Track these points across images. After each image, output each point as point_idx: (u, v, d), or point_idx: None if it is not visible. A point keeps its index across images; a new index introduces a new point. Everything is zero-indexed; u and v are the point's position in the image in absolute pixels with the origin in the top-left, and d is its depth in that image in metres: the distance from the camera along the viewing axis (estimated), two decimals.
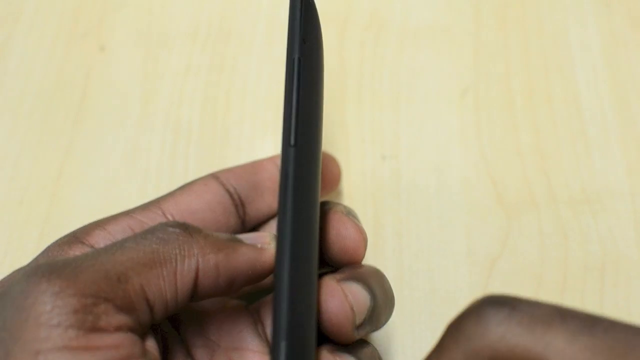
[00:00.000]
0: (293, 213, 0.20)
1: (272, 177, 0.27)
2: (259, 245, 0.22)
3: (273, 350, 0.19)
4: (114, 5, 0.39)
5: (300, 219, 0.20)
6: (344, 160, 0.34)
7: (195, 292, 0.21)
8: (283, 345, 0.19)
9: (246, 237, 0.23)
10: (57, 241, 0.23)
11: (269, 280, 0.24)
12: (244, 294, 0.27)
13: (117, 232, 0.23)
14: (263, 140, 0.35)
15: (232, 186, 0.26)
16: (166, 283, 0.20)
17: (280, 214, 0.20)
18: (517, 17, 0.38)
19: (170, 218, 0.24)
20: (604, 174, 0.33)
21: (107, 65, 0.37)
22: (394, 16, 0.38)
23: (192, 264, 0.21)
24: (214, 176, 0.26)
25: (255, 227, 0.27)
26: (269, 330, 0.25)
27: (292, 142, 0.21)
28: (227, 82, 0.37)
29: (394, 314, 0.25)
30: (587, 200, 0.33)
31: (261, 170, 0.27)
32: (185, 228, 0.21)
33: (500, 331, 0.16)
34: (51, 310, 0.18)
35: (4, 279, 0.22)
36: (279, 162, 0.26)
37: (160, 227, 0.21)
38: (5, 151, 0.35)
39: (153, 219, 0.24)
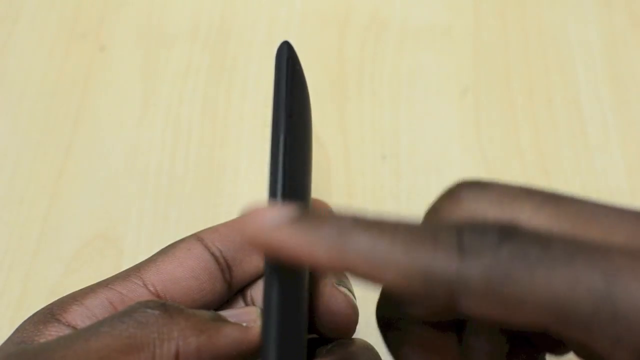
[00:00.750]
0: (279, 311, 0.19)
1: None
2: (245, 324, 0.21)
3: None
4: (114, 5, 0.39)
5: (288, 310, 0.19)
6: (344, 160, 0.34)
7: None
8: None
9: (231, 314, 0.22)
10: (32, 317, 0.22)
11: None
12: None
13: (96, 307, 0.22)
14: (263, 140, 0.35)
15: (217, 249, 0.24)
16: None
17: (265, 308, 0.19)
18: (517, 17, 0.38)
19: (152, 289, 0.23)
20: (604, 174, 0.33)
21: (107, 65, 0.37)
22: (394, 16, 0.38)
23: (172, 347, 0.20)
24: (198, 238, 0.25)
25: (243, 288, 0.26)
26: None
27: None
28: (227, 82, 0.37)
29: None
30: None
31: None
32: (165, 309, 0.20)
33: (472, 207, 0.17)
34: None
35: None
36: None
37: (139, 308, 0.20)
38: (5, 151, 0.35)
39: (133, 290, 0.23)
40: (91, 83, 0.37)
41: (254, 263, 0.25)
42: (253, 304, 0.25)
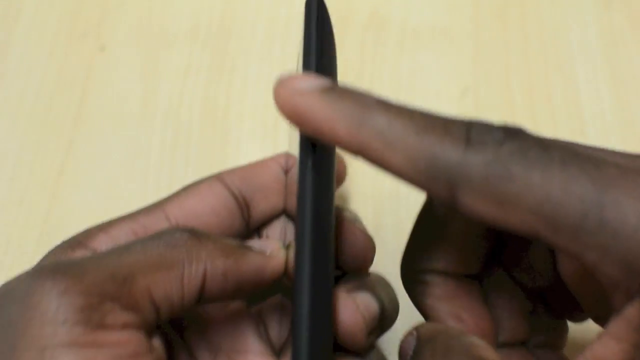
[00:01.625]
0: (312, 239, 0.20)
1: (276, 178, 0.27)
2: (268, 252, 0.23)
3: None
4: (113, 5, 0.39)
5: (318, 239, 0.20)
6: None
7: (202, 296, 0.21)
8: None
9: (255, 244, 0.23)
10: (59, 245, 0.23)
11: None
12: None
13: (121, 237, 0.23)
14: (263, 140, 0.35)
15: (237, 189, 0.26)
16: (173, 286, 0.20)
17: (298, 238, 0.20)
18: (517, 17, 0.38)
19: (174, 222, 0.24)
20: None
21: (107, 65, 0.37)
22: (394, 16, 0.38)
23: (200, 268, 0.21)
24: (219, 178, 0.26)
25: (259, 228, 0.27)
26: (271, 332, 0.25)
27: (310, 163, 0.20)
28: (227, 82, 0.37)
29: None
30: None
31: (265, 171, 0.27)
32: (193, 233, 0.21)
33: None
34: (57, 308, 0.18)
35: (7, 282, 0.22)
36: (282, 161, 0.27)
37: (168, 231, 0.21)
38: (5, 151, 0.35)
39: (156, 223, 0.24)
40: (91, 83, 0.37)
41: (271, 204, 0.26)
42: None
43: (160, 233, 0.21)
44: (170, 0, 0.40)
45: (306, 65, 0.21)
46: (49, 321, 0.18)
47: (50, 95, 0.36)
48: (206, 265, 0.21)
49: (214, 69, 0.37)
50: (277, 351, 0.25)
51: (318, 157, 0.20)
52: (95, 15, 0.39)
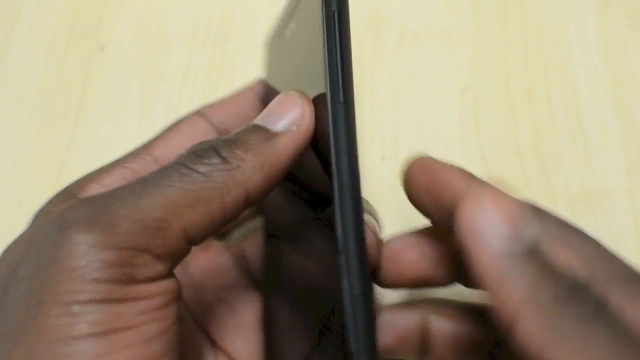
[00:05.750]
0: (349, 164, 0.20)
1: (254, 107, 0.27)
2: (294, 128, 0.21)
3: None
4: (113, 5, 0.39)
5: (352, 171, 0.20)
6: None
7: (246, 206, 0.21)
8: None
9: (272, 115, 0.21)
10: (52, 199, 0.22)
11: (247, 215, 0.25)
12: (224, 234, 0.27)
13: (112, 185, 0.22)
14: None
15: (218, 121, 0.26)
16: (212, 217, 0.20)
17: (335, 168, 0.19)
18: (516, 17, 0.38)
19: (162, 163, 0.23)
20: (603, 174, 0.33)
21: (107, 65, 0.37)
22: (393, 16, 0.38)
23: (240, 192, 0.20)
24: (199, 113, 0.26)
25: None
26: (252, 266, 0.26)
27: (342, 99, 0.20)
28: (227, 82, 0.37)
29: None
30: (586, 200, 0.33)
31: (244, 102, 0.27)
32: (222, 158, 0.20)
33: None
34: (86, 265, 0.17)
35: (30, 225, 0.21)
36: (259, 89, 0.27)
37: (194, 160, 0.20)
38: (5, 151, 0.35)
39: (145, 166, 0.23)
40: (91, 83, 0.37)
41: None
42: None
43: (187, 161, 0.20)
44: (170, 1, 0.40)
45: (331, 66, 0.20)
46: (77, 278, 0.17)
47: (50, 95, 0.36)
48: (245, 187, 0.20)
49: (213, 69, 0.37)
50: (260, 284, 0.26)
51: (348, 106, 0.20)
52: (95, 15, 0.39)
